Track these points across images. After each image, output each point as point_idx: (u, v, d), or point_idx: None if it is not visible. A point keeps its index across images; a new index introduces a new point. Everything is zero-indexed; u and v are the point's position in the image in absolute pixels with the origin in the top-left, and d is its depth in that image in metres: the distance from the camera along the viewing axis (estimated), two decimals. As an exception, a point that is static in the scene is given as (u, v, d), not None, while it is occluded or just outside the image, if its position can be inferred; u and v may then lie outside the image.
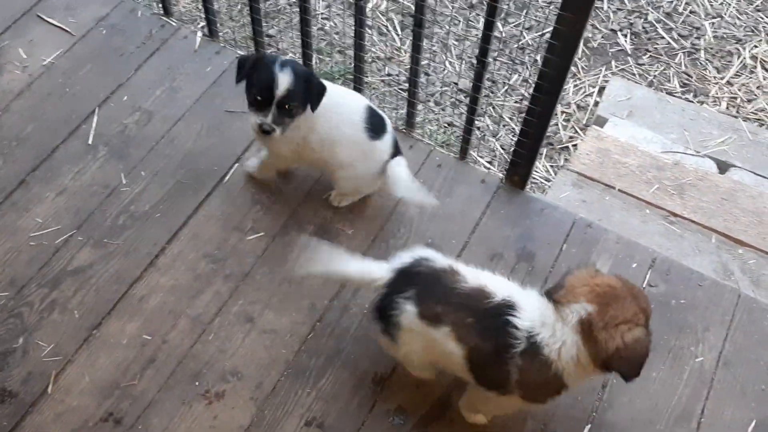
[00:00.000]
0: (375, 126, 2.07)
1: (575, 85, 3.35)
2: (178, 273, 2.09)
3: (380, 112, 2.13)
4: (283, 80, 1.87)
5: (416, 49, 2.21)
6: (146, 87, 2.45)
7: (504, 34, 3.49)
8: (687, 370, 1.99)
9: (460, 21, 3.57)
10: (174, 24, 2.63)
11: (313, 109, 1.96)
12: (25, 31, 2.55)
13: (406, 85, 3.31)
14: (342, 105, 2.06)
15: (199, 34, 2.60)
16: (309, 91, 1.93)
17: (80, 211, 2.17)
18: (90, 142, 2.31)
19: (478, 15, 3.59)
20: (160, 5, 2.66)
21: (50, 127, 2.33)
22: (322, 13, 3.49)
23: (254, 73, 1.90)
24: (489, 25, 1.91)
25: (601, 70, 3.41)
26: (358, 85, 2.45)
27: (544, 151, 3.12)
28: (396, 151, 2.13)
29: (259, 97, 1.90)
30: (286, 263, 2.12)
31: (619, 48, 3.51)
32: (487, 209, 2.27)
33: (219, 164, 2.30)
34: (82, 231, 2.14)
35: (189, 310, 2.03)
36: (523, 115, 2.13)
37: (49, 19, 2.58)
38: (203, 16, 2.61)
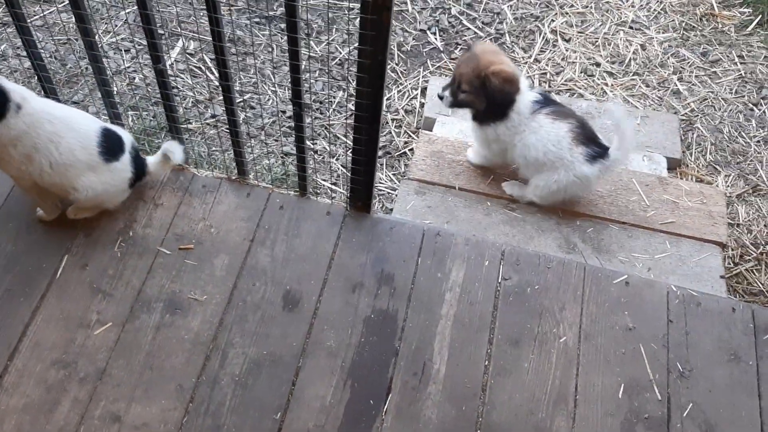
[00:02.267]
0: (111, 148, 2.11)
1: (399, 91, 3.42)
2: (28, 389, 1.92)
3: (118, 131, 2.18)
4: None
5: (228, 93, 2.14)
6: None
7: (320, 53, 3.49)
8: (554, 353, 2.08)
9: (273, 48, 3.54)
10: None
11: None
12: None
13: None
14: (72, 130, 2.06)
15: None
16: None
17: None
18: None
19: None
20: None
21: None
22: (128, 67, 3.34)
23: None
24: (294, 42, 1.88)
25: (419, 71, 3.50)
26: (177, 134, 2.35)
27: (384, 161, 3.17)
28: (141, 168, 2.22)
29: None
30: (141, 350, 2.01)
31: (432, 46, 3.62)
32: (338, 241, 2.26)
33: (47, 260, 2.14)
34: None
35: (49, 427, 1.87)
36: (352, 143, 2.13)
37: None
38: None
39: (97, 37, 3.37)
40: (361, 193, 2.25)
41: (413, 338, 2.09)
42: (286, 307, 2.12)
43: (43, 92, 2.37)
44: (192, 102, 3.27)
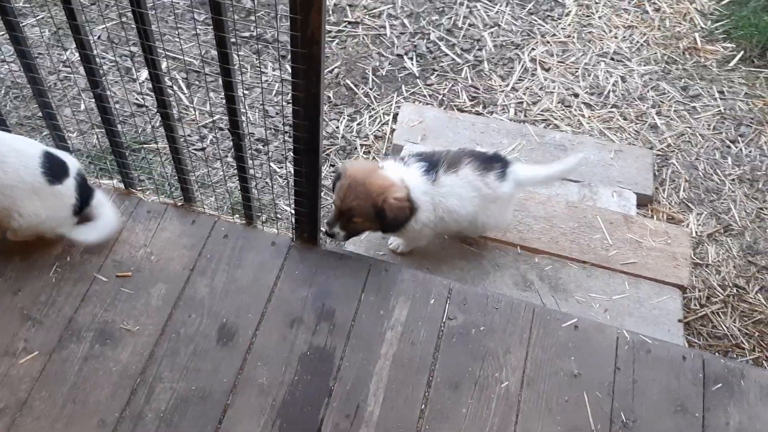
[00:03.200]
0: (54, 171, 2.10)
1: (370, 116, 3.37)
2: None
3: (62, 156, 2.17)
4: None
5: (167, 122, 2.10)
6: None
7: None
8: (494, 398, 2.01)
9: (247, 69, 3.50)
10: None
11: None
12: None
13: (200, 145, 3.23)
14: (16, 151, 2.06)
15: None
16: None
17: None
18: None
19: (265, 60, 3.53)
20: None
21: None
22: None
23: None
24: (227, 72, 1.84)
25: (393, 96, 3.45)
26: (121, 158, 2.30)
27: (349, 187, 3.11)
28: (85, 194, 2.19)
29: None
30: (66, 381, 1.95)
31: (408, 72, 3.57)
32: (280, 273, 2.20)
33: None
34: None
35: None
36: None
37: None
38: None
39: (66, 52, 3.37)
40: (306, 224, 2.19)
41: (349, 378, 2.02)
42: (220, 341, 2.06)
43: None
44: (160, 122, 3.23)
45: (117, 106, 3.26)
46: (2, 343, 2.00)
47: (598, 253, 2.55)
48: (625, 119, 3.40)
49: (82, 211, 2.18)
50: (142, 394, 1.95)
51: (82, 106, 3.23)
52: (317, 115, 1.81)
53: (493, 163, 2.32)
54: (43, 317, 2.06)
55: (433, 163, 2.27)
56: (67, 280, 2.14)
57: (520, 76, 3.59)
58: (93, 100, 3.05)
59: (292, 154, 1.97)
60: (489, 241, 2.57)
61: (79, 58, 3.32)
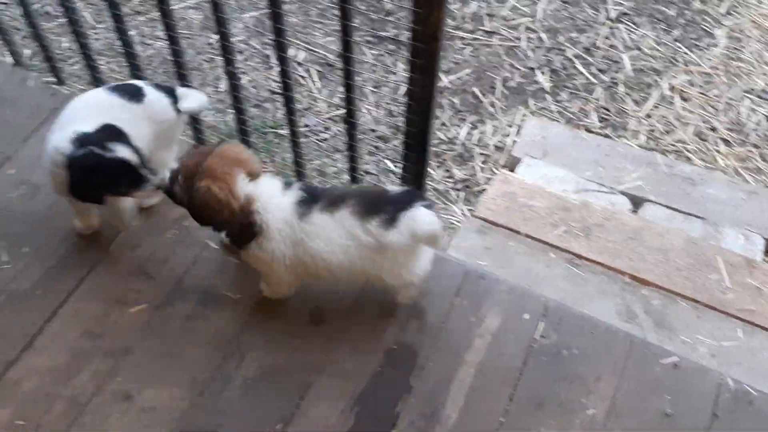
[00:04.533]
0: None
1: (493, 126, 3.35)
2: (55, 353, 2.03)
3: None
4: (126, 152, 1.92)
5: (290, 105, 2.18)
6: (34, 159, 2.40)
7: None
8: (577, 424, 1.94)
9: (377, 66, 3.58)
10: (65, 92, 2.61)
11: None
12: None
13: (324, 135, 3.34)
14: None
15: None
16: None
17: (-44, 295, 2.12)
18: (-29, 219, 2.27)
19: (397, 61, 3.59)
20: (52, 74, 2.63)
21: (-72, 207, 2.29)
22: (241, 70, 3.49)
23: (108, 177, 1.93)
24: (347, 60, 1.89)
25: (519, 109, 3.41)
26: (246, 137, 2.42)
27: (462, 195, 3.11)
28: None
29: (133, 181, 1.95)
30: (167, 336, 2.07)
31: (538, 86, 3.52)
32: (378, 266, 2.23)
33: (105, 236, 2.26)
34: (-42, 315, 2.08)
35: (65, 392, 1.97)
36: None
37: (-70, 94, 2.56)
38: (94, 84, 2.59)
39: (215, 36, 3.58)
40: (410, 222, 2.20)
41: (431, 378, 2.02)
42: (311, 322, 2.12)
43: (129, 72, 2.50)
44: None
45: (254, 90, 3.43)
46: (117, 292, 2.15)
47: (713, 294, 2.41)
48: (764, 160, 3.19)
49: None
50: (234, 359, 2.03)
51: (222, 87, 3.41)
52: (429, 111, 1.82)
53: (382, 206, 1.88)
54: (155, 274, 2.19)
55: (312, 198, 1.91)
56: (181, 243, 2.26)
57: (656, 103, 3.45)
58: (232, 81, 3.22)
59: (402, 151, 1.99)
60: (597, 266, 2.48)
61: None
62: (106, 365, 2.02)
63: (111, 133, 1.93)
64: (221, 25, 2.05)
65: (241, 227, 1.89)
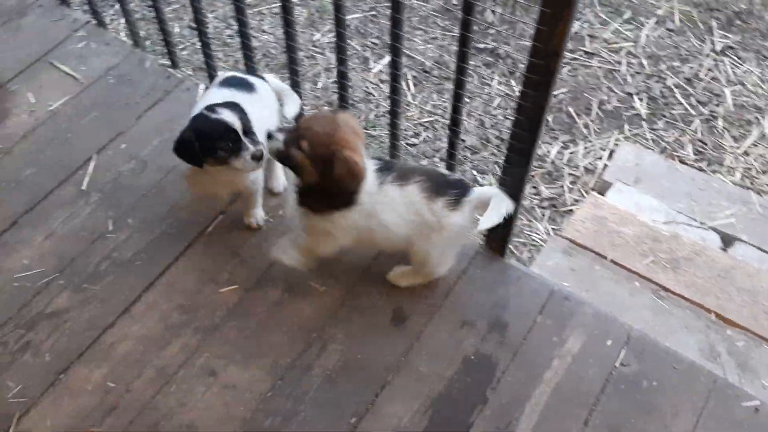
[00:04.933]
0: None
1: (585, 148, 3.32)
2: (150, 322, 2.13)
3: None
4: (230, 117, 1.95)
5: (396, 108, 2.23)
6: (145, 136, 2.53)
7: (518, 93, 3.49)
8: (652, 458, 1.91)
9: (473, 77, 3.59)
10: (179, 76, 2.73)
11: None
12: (36, 76, 2.68)
13: (414, 140, 3.38)
14: None
15: (202, 86, 2.69)
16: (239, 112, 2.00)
17: (65, 256, 2.24)
18: (84, 187, 2.40)
19: (493, 72, 3.61)
20: (168, 57, 2.76)
21: (48, 171, 2.43)
22: (332, 66, 3.57)
23: (207, 139, 1.95)
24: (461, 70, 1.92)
25: (613, 133, 3.37)
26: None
27: (547, 213, 3.10)
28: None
29: (230, 145, 1.96)
30: (254, 318, 2.14)
31: (635, 112, 3.47)
32: (462, 274, 2.25)
33: (204, 216, 2.35)
34: (64, 275, 2.21)
35: (155, 360, 2.06)
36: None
37: (60, 66, 2.71)
38: (206, 69, 2.70)
39: (318, 34, 3.68)
40: (498, 235, 2.22)
41: (507, 392, 2.03)
42: (393, 321, 2.15)
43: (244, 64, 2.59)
44: (382, 111, 3.42)
45: (350, 90, 3.50)
46: (211, 271, 2.24)
47: (802, 343, 2.33)
48: None
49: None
50: (315, 349, 2.09)
51: (320, 84, 3.49)
52: (537, 129, 1.83)
53: (447, 188, 1.98)
54: (249, 257, 2.27)
55: (385, 168, 1.98)
56: (275, 230, 2.34)
57: (755, 141, 3.35)
58: (330, 80, 3.30)
59: (503, 163, 2.01)
60: (683, 300, 2.44)
61: (326, 41, 3.61)
62: (195, 339, 2.11)
63: (227, 104, 1.99)
64: (339, 26, 2.10)
65: (345, 196, 1.92)
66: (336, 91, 3.41)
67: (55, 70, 2.70)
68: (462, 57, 1.88)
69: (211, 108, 1.97)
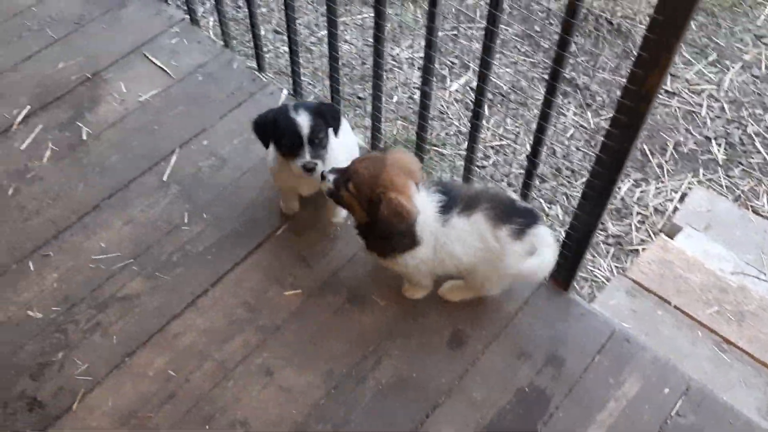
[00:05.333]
0: None
1: (657, 188, 3.28)
2: (214, 316, 2.19)
3: None
4: (304, 120, 2.03)
5: (475, 132, 2.25)
6: (226, 135, 2.61)
7: (593, 125, 3.47)
8: None
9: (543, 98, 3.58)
10: (264, 79, 2.80)
11: (336, 132, 2.13)
12: (130, 67, 2.79)
13: (484, 163, 3.38)
14: None
15: (285, 91, 2.76)
16: (326, 118, 2.08)
17: (141, 243, 2.33)
18: (165, 179, 2.48)
19: (569, 103, 3.59)
20: (255, 60, 2.84)
21: (132, 159, 2.52)
22: (415, 85, 3.60)
23: (278, 128, 2.06)
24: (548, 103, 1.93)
25: (687, 176, 3.32)
26: (421, 152, 2.49)
27: (611, 250, 3.07)
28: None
29: (291, 144, 2.06)
30: (315, 324, 2.18)
31: (711, 157, 3.41)
32: (524, 305, 2.25)
33: (276, 218, 2.41)
34: (138, 261, 2.29)
35: (216, 354, 2.12)
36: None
37: (153, 59, 2.82)
38: (291, 74, 2.76)
39: (397, 49, 3.72)
40: (564, 269, 2.21)
41: (558, 428, 2.02)
42: (450, 344, 2.17)
43: (329, 83, 2.65)
44: (454, 131, 3.44)
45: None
46: (277, 273, 2.29)
47: None
48: None
49: None
50: (370, 362, 2.12)
51: (395, 99, 3.54)
52: (618, 170, 1.82)
53: (513, 216, 1.99)
54: (314, 263, 2.32)
55: (451, 201, 2.00)
56: (341, 239, 2.38)
57: (833, 199, 3.25)
58: (406, 95, 3.34)
59: (579, 199, 2.00)
60: (746, 355, 2.39)
61: (405, 57, 3.64)
62: (256, 338, 2.16)
63: (313, 110, 2.07)
64: (430, 47, 2.13)
65: (400, 237, 1.98)
66: (411, 106, 3.50)
67: (148, 62, 2.80)
68: (551, 91, 1.88)
69: (298, 105, 2.08)
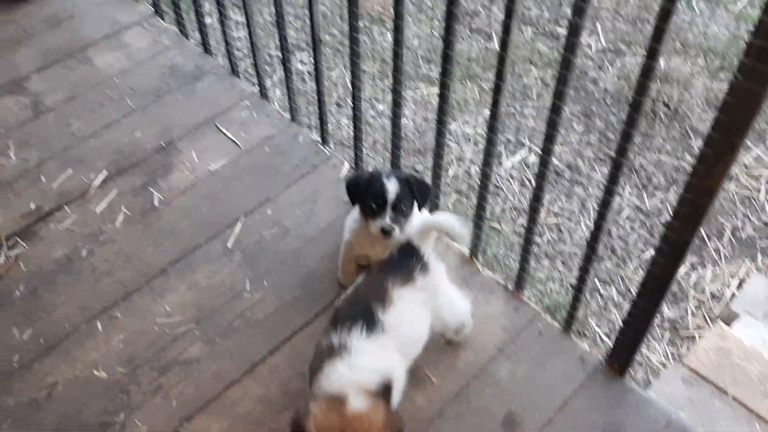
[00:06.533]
0: None
1: (713, 273, 3.24)
2: (271, 385, 2.24)
3: None
4: (392, 186, 2.14)
5: (534, 207, 2.29)
6: (290, 205, 2.71)
7: (649, 207, 3.47)
8: None
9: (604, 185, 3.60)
10: (327, 152, 2.91)
11: (420, 206, 2.21)
12: (202, 137, 2.93)
13: (537, 239, 3.40)
14: None
15: (347, 165, 2.85)
16: (413, 190, 2.18)
17: (203, 308, 2.41)
18: (229, 246, 2.58)
19: (625, 183, 3.61)
20: (319, 133, 2.95)
21: (199, 226, 2.63)
22: (470, 159, 3.68)
23: (366, 188, 2.17)
24: (612, 181, 1.95)
25: (745, 262, 3.28)
26: (479, 229, 2.53)
27: (666, 335, 3.03)
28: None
29: (374, 205, 2.16)
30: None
31: (769, 242, 3.37)
32: (579, 389, 2.24)
33: (333, 288, 2.47)
34: (201, 326, 2.36)
35: (272, 424, 2.16)
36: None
37: (224, 131, 2.96)
38: (353, 149, 2.87)
39: (454, 124, 3.82)
40: (622, 354, 2.20)
41: None
42: (503, 425, 2.16)
43: (391, 156, 2.74)
44: (510, 207, 3.48)
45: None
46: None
47: None
48: None
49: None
50: (421, 442, 2.13)
51: (451, 172, 3.61)
52: (679, 261, 1.84)
53: (405, 265, 2.02)
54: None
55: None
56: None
57: None
58: (461, 169, 3.39)
59: (638, 286, 2.01)
60: (809, 454, 2.31)
61: (461, 132, 3.72)
62: (311, 409, 2.18)
63: (405, 179, 2.17)
64: (491, 131, 2.20)
65: None
66: (466, 180, 3.56)
67: (219, 133, 2.95)
68: (613, 179, 1.92)
69: (391, 172, 2.21)
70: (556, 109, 1.94)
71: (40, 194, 2.72)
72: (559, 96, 1.91)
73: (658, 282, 1.93)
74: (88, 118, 2.99)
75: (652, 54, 1.61)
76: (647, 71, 1.64)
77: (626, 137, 1.80)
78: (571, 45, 1.77)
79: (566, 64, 1.81)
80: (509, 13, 1.86)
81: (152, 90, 3.10)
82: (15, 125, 2.97)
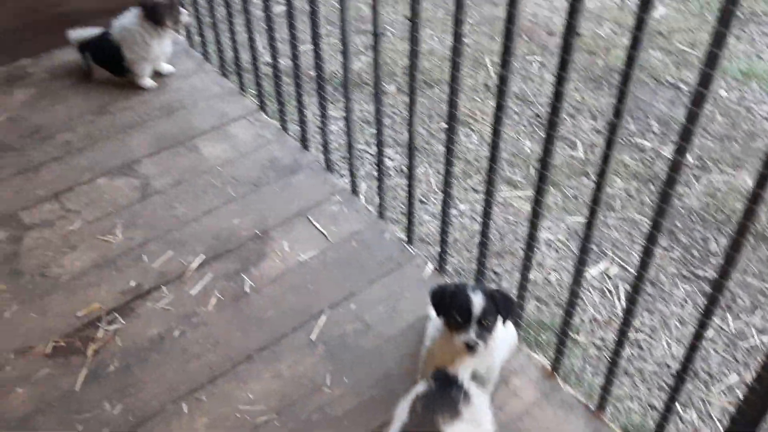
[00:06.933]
0: None
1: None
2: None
3: None
4: (477, 300, 2.16)
5: (629, 316, 2.28)
6: (373, 302, 2.78)
7: (733, 329, 3.39)
8: None
9: (687, 303, 3.55)
10: (412, 252, 2.99)
11: (504, 321, 2.24)
12: (294, 228, 3.07)
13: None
14: None
15: (431, 266, 2.92)
16: (498, 305, 2.20)
17: (285, 398, 2.46)
18: (313, 338, 2.65)
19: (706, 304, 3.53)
20: (406, 233, 3.05)
21: (286, 315, 2.72)
22: (551, 266, 3.69)
23: (452, 301, 2.19)
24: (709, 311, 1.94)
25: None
26: (562, 343, 2.53)
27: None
28: None
29: (459, 319, 2.17)
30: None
31: None
32: None
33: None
34: (281, 417, 2.41)
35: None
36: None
37: (315, 223, 3.09)
38: (438, 250, 2.94)
39: (546, 232, 3.85)
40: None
41: None
42: None
43: (477, 258, 2.79)
44: (589, 318, 3.45)
45: (558, 289, 3.59)
46: None
47: None
48: None
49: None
50: None
51: (532, 277, 3.62)
52: (762, 412, 1.80)
53: (448, 397, 2.07)
54: None
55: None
56: (475, 423, 2.41)
57: None
58: (542, 275, 3.40)
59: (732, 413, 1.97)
60: None
61: (545, 238, 3.74)
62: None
63: (492, 295, 2.22)
64: (584, 252, 2.24)
65: None
66: (546, 287, 3.56)
67: (311, 226, 3.08)
68: (707, 313, 1.91)
69: (477, 286, 2.25)
70: (656, 226, 1.97)
71: (141, 273, 2.89)
72: (660, 213, 1.94)
73: (743, 424, 1.89)
74: (192, 203, 3.18)
75: (761, 183, 1.62)
76: (755, 198, 1.66)
77: (730, 261, 1.81)
78: (677, 164, 1.81)
79: (670, 182, 1.85)
80: (609, 144, 1.92)
81: (252, 180, 3.28)
82: (124, 205, 3.18)
